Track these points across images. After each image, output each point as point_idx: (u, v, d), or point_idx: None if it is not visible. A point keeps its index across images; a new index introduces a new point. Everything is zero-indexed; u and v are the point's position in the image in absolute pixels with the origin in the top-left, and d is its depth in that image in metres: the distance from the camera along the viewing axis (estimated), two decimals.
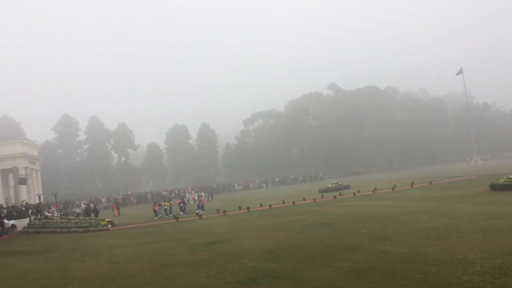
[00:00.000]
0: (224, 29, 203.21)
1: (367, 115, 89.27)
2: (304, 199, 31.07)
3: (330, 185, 41.88)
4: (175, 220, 27.16)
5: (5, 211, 28.54)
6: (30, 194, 48.08)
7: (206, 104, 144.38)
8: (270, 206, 28.99)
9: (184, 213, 31.44)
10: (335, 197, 30.97)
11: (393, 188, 31.85)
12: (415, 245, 10.90)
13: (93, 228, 25.42)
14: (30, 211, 30.28)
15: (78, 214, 37.27)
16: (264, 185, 73.95)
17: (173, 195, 58.12)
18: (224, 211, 28.35)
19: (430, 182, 33.03)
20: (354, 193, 31.72)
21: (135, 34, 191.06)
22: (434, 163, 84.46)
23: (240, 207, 29.84)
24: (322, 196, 33.28)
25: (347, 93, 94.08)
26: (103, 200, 55.97)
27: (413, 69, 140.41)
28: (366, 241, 12.21)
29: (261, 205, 29.96)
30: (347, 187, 39.64)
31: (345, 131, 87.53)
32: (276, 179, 77.83)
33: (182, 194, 54.77)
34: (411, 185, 32.29)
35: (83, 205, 44.24)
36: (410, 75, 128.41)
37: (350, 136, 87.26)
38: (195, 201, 39.88)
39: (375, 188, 32.77)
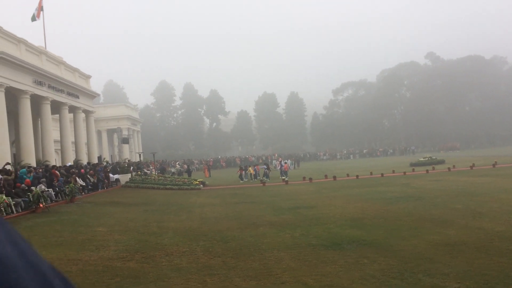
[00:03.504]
0: None
1: (468, 86, 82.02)
2: (393, 172, 30.03)
3: (422, 159, 39.86)
4: (262, 184, 27.90)
5: (110, 166, 31.43)
6: (132, 153, 52.32)
7: (295, 73, 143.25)
8: (357, 176, 28.50)
9: (267, 178, 32.10)
10: (427, 171, 29.49)
11: (494, 165, 29.41)
12: None
13: (186, 187, 27.12)
14: (131, 167, 32.97)
15: (173, 173, 39.86)
16: (351, 156, 72.61)
17: (260, 161, 59.51)
18: (310, 179, 28.46)
19: None
20: (449, 168, 29.88)
21: (228, 10, 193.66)
22: None
23: (326, 176, 29.72)
24: (413, 169, 31.86)
25: (446, 63, 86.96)
26: (196, 162, 59.15)
27: None
28: (459, 217, 11.55)
29: (348, 175, 29.56)
30: (441, 162, 37.42)
31: (442, 103, 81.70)
32: (364, 151, 75.86)
33: (269, 160, 55.84)
34: None
35: (177, 165, 47.12)
36: None
37: (447, 109, 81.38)
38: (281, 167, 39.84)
39: (473, 164, 30.53)
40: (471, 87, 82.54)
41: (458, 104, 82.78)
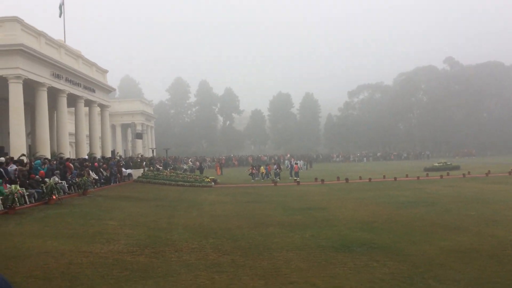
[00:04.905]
0: None
1: (486, 93, 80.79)
2: (406, 176, 29.72)
3: (437, 164, 39.38)
4: (273, 184, 27.85)
5: (123, 161, 31.68)
6: (145, 148, 52.72)
7: (311, 74, 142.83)
8: (369, 179, 28.28)
9: (278, 178, 32.02)
10: (441, 176, 29.11)
11: (510, 173, 28.90)
12: None
13: (198, 184, 27.20)
14: (144, 163, 33.18)
15: (185, 170, 40.01)
16: (364, 159, 72.14)
17: (272, 160, 59.42)
18: (322, 180, 28.32)
19: None
20: (463, 174, 29.45)
21: (244, 5, 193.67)
22: None
23: (338, 178, 29.53)
24: (427, 174, 31.48)
25: (465, 68, 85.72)
26: (208, 159, 59.35)
27: None
28: (473, 224, 11.38)
29: (360, 178, 29.33)
30: (456, 168, 36.89)
31: (460, 109, 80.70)
32: (378, 154, 75.30)
33: (281, 160, 55.75)
34: None
35: (190, 162, 47.31)
36: None
37: (464, 115, 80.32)
38: (291, 167, 38.77)
39: (489, 171, 30.05)
40: (489, 94, 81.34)
41: (476, 110, 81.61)
